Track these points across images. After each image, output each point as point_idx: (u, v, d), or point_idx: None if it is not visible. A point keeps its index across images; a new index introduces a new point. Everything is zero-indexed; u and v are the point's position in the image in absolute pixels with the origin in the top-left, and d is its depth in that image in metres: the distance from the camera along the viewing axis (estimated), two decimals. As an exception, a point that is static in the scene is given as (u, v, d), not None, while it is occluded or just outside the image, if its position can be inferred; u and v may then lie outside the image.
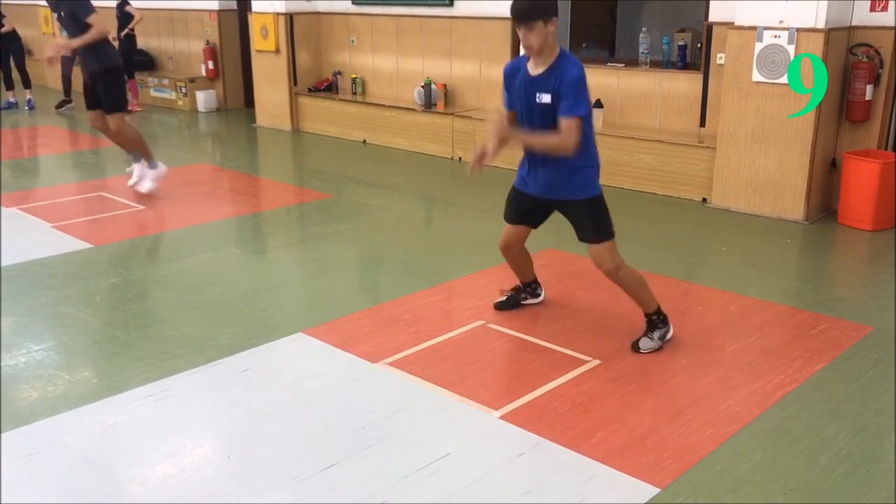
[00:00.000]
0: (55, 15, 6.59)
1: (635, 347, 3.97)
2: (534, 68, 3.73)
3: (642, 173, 7.11)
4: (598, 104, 7.50)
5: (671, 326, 4.09)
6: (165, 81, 12.18)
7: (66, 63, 11.23)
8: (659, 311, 4.03)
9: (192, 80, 11.79)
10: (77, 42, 6.26)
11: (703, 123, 7.05)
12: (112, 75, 6.50)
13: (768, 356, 3.96)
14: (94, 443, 3.22)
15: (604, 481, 2.97)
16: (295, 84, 10.11)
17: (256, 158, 9.22)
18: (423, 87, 8.85)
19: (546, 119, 3.71)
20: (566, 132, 3.63)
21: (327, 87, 10.05)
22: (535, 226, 4.20)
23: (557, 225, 6.30)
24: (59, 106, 11.66)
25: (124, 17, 11.33)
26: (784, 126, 6.13)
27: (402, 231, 6.17)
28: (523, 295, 4.52)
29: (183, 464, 3.08)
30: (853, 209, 6.10)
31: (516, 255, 4.31)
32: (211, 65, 11.68)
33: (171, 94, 12.11)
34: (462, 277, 5.01)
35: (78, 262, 5.42)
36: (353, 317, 4.44)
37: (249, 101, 11.35)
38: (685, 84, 7.18)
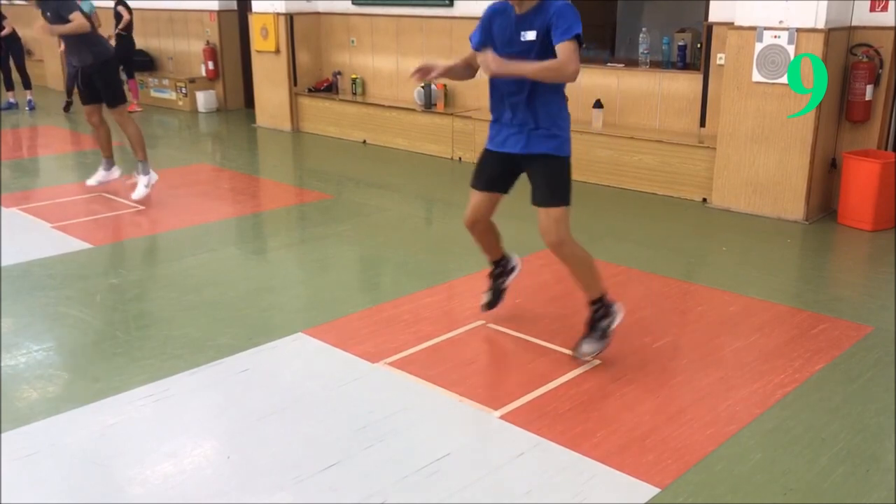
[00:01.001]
0: (41, 13, 6.64)
1: (577, 352, 3.77)
2: (519, 8, 3.56)
3: (642, 173, 7.11)
4: (598, 104, 7.51)
5: (618, 312, 3.83)
6: (165, 82, 12.19)
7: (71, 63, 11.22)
8: (602, 300, 3.80)
9: (192, 81, 11.80)
10: (58, 29, 6.41)
11: (703, 123, 7.05)
12: (107, 67, 6.63)
13: (768, 356, 3.96)
14: (94, 443, 3.22)
15: (604, 481, 2.96)
16: (295, 84, 10.12)
17: (256, 159, 9.22)
18: (422, 87, 8.85)
19: (528, 57, 3.51)
20: (565, 55, 3.38)
21: (327, 88, 10.05)
22: (505, 190, 3.90)
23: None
24: (67, 108, 11.60)
25: (118, 16, 11.36)
26: (784, 126, 6.13)
27: (402, 231, 6.17)
28: (500, 280, 4.29)
29: (183, 464, 3.08)
30: (853, 209, 6.10)
31: (484, 230, 4.04)
32: (211, 65, 11.68)
33: (171, 95, 12.11)
34: (462, 277, 5.01)
35: (78, 262, 5.43)
36: (353, 317, 4.44)
37: (249, 101, 11.36)
38: (685, 84, 7.18)
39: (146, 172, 6.83)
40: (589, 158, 7.42)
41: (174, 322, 4.38)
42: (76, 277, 5.14)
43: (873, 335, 4.21)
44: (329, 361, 3.93)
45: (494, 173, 3.87)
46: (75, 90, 6.90)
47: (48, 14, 6.48)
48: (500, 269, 4.28)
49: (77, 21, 6.40)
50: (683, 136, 7.08)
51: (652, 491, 2.90)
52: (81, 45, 6.51)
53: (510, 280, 4.34)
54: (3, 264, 5.25)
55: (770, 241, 5.84)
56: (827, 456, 3.12)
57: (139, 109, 11.79)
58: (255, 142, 9.92)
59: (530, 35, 3.51)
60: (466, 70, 3.94)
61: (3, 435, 3.25)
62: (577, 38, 3.41)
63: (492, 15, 3.71)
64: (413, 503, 2.84)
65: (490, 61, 3.44)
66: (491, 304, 4.32)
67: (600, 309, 3.80)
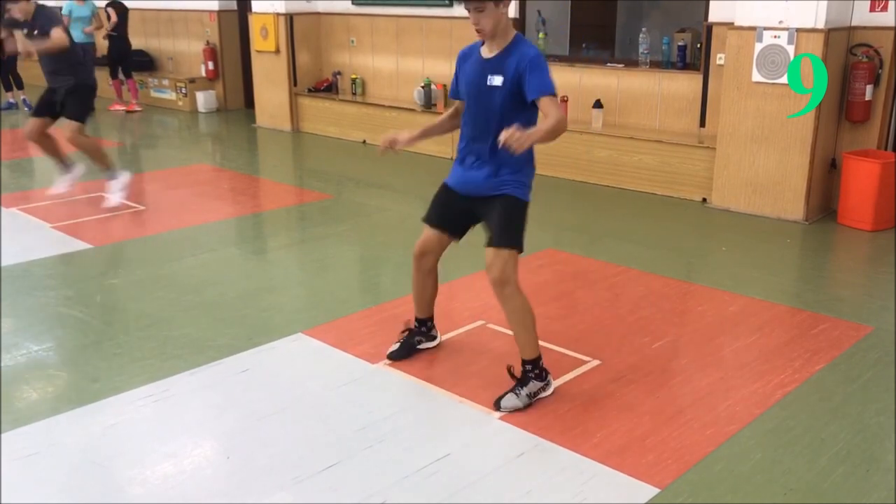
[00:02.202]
0: (24, 31, 6.38)
1: (497, 405, 3.45)
2: (487, 52, 3.46)
3: (642, 173, 7.11)
4: (598, 104, 7.51)
5: (551, 384, 3.57)
6: (165, 82, 12.18)
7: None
8: (537, 363, 3.52)
9: (192, 81, 11.79)
10: (38, 47, 6.19)
11: (702, 124, 7.05)
12: (84, 91, 6.44)
13: (768, 356, 3.96)
14: (94, 443, 3.22)
15: (604, 481, 2.97)
16: (295, 84, 10.12)
17: (256, 159, 9.22)
18: (422, 87, 8.86)
19: (493, 102, 3.40)
20: (554, 110, 3.30)
21: (327, 88, 10.05)
22: (457, 235, 3.71)
23: (558, 225, 6.33)
24: None
25: (110, 18, 11.39)
26: (784, 126, 6.14)
27: (401, 231, 6.16)
28: (418, 338, 3.97)
29: (183, 464, 3.08)
30: (853, 209, 6.10)
31: (428, 271, 3.79)
32: (211, 65, 11.68)
33: (171, 95, 12.11)
34: (462, 278, 5.01)
35: (78, 262, 5.43)
36: (353, 317, 4.44)
37: (249, 101, 11.36)
38: (685, 84, 7.18)
39: (115, 177, 6.64)
40: (589, 158, 7.43)
41: (174, 322, 4.38)
42: (76, 277, 5.14)
43: (873, 335, 4.21)
44: (329, 362, 3.93)
45: (449, 212, 3.68)
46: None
47: (35, 32, 6.23)
48: (424, 329, 3.99)
49: (56, 35, 6.15)
50: (683, 136, 7.08)
51: (652, 491, 2.90)
52: (64, 65, 6.26)
53: (427, 346, 4.01)
54: (3, 264, 5.25)
55: (770, 241, 5.84)
56: (827, 456, 3.12)
57: (139, 109, 11.79)
58: (255, 142, 9.92)
59: (497, 80, 3.38)
60: (451, 123, 3.79)
61: (3, 435, 3.25)
62: (553, 94, 3.35)
63: (462, 59, 3.63)
64: (413, 503, 2.85)
65: (515, 140, 3.11)
66: (395, 356, 3.92)
67: (534, 370, 3.52)
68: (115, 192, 6.66)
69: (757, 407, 3.47)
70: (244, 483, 2.96)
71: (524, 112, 3.41)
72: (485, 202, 3.53)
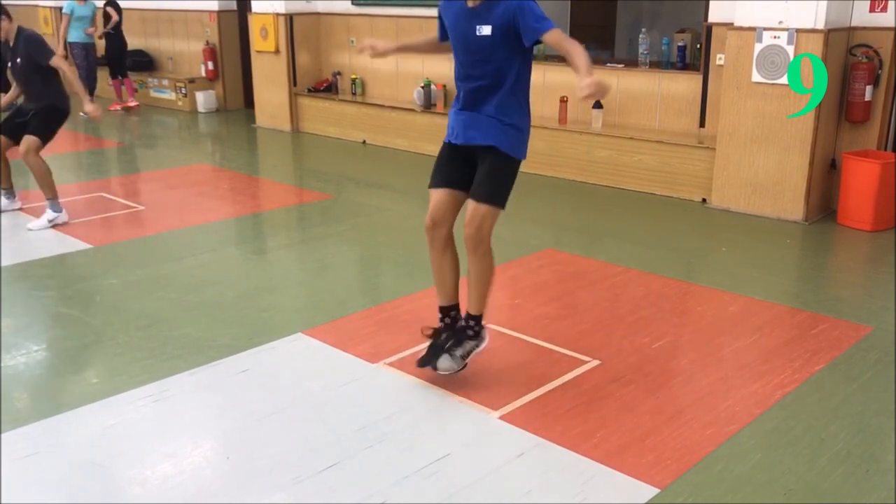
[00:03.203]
0: (9, 64, 6.19)
1: (431, 366, 3.50)
2: (471, 1, 3.36)
3: (642, 174, 7.12)
4: (598, 105, 7.51)
5: (485, 339, 3.64)
6: (165, 82, 12.19)
7: (89, 59, 11.08)
8: (479, 320, 3.58)
9: (192, 81, 11.79)
10: (83, 94, 6.19)
11: (702, 124, 7.06)
12: (55, 113, 6.17)
13: (768, 356, 3.96)
14: (94, 443, 3.22)
15: (603, 482, 2.97)
16: (295, 85, 10.12)
17: (256, 159, 9.22)
18: (422, 87, 8.86)
19: (485, 52, 3.34)
20: (562, 40, 3.23)
21: (327, 88, 10.05)
22: (466, 188, 3.54)
23: (558, 225, 6.32)
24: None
25: (107, 17, 11.41)
26: (784, 126, 6.14)
27: (401, 231, 6.16)
28: (445, 335, 3.68)
29: (182, 464, 3.08)
30: (853, 209, 6.10)
31: (443, 245, 3.61)
32: (211, 65, 11.68)
33: (170, 95, 12.11)
34: (461, 278, 5.00)
35: (78, 262, 5.43)
36: (353, 317, 4.44)
37: (249, 101, 11.36)
38: (685, 84, 7.19)
39: (56, 210, 6.17)
40: (589, 159, 7.43)
41: (174, 322, 4.38)
42: (76, 277, 5.14)
43: (873, 335, 4.21)
44: (329, 362, 3.93)
45: (453, 168, 3.59)
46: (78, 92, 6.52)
47: (18, 60, 6.02)
48: (449, 321, 3.71)
49: (64, 65, 6.06)
50: (683, 136, 7.08)
51: (652, 491, 2.90)
52: (45, 89, 6.08)
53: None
54: (3, 264, 5.25)
55: (770, 242, 5.84)
56: (826, 456, 3.12)
57: (136, 104, 11.81)
58: (255, 142, 9.92)
59: (486, 30, 3.31)
60: (428, 46, 3.85)
61: (3, 435, 3.25)
62: (554, 28, 3.27)
63: (443, 9, 3.55)
64: (412, 503, 2.85)
65: (594, 94, 3.02)
66: (425, 362, 3.66)
67: (474, 328, 3.58)
68: (44, 221, 6.13)
69: (757, 407, 3.47)
70: (244, 483, 2.96)
71: (517, 56, 3.37)
72: (483, 151, 3.46)
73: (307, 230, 6.32)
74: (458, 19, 3.44)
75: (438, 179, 3.63)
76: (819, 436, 3.26)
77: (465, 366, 3.56)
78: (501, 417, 3.39)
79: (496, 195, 3.41)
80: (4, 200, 6.57)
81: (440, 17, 3.62)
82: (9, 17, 6.10)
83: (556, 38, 3.27)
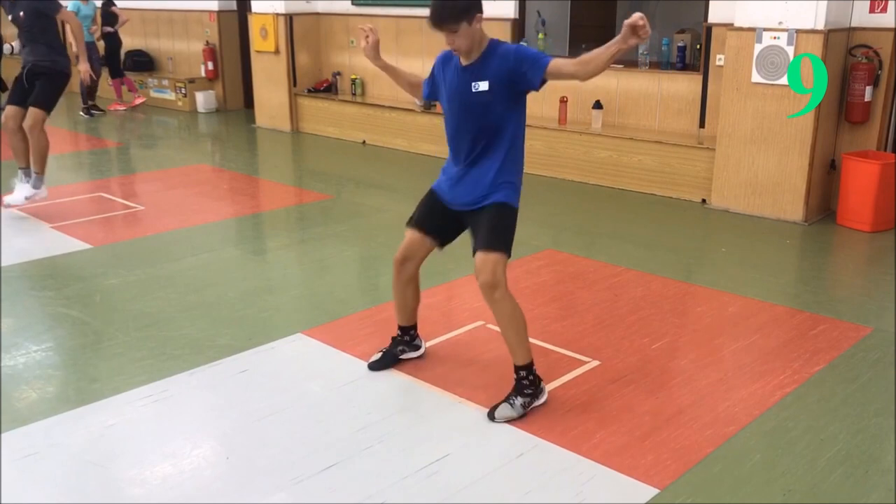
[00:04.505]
0: (9, 17, 6.23)
1: (491, 416, 3.38)
2: (465, 60, 3.38)
3: (642, 174, 7.12)
4: (598, 105, 7.51)
5: (544, 393, 3.49)
6: (165, 82, 12.19)
7: (93, 58, 11.09)
8: (530, 368, 3.43)
9: (192, 81, 11.80)
10: (83, 52, 6.33)
11: (702, 124, 7.06)
12: (58, 79, 6.22)
13: (767, 357, 3.96)
14: (94, 443, 3.22)
15: (603, 482, 2.97)
16: (294, 85, 10.12)
17: (256, 159, 9.22)
18: (422, 87, 8.84)
19: (482, 109, 3.34)
20: (567, 62, 3.23)
21: (327, 88, 10.06)
22: (441, 242, 3.64)
23: (558, 225, 6.33)
24: (88, 112, 11.40)
25: (108, 16, 11.39)
26: (783, 127, 6.14)
27: (401, 232, 6.12)
28: (400, 347, 3.87)
29: (182, 465, 3.08)
30: (852, 210, 6.10)
31: (408, 280, 3.72)
32: (210, 65, 11.69)
33: (170, 95, 12.11)
34: (461, 278, 5.01)
35: (78, 262, 5.43)
36: (353, 318, 4.44)
37: (249, 101, 11.36)
38: (684, 85, 7.19)
39: (37, 186, 6.25)
40: (588, 159, 7.43)
41: (173, 322, 4.38)
42: (76, 277, 5.14)
43: (872, 336, 4.21)
44: (328, 362, 3.93)
45: (434, 216, 3.62)
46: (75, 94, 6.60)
47: (20, 14, 6.04)
48: (407, 338, 3.90)
49: (71, 19, 6.19)
50: (683, 136, 7.09)
51: (651, 492, 2.90)
52: (47, 45, 6.11)
53: (409, 356, 3.90)
54: (3, 264, 5.25)
55: (769, 242, 5.85)
56: (826, 457, 3.13)
57: (142, 99, 11.86)
58: (255, 142, 9.92)
59: (482, 86, 3.31)
60: (410, 81, 3.83)
61: (3, 435, 3.25)
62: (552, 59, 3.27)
63: (441, 63, 3.55)
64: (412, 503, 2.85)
65: (634, 22, 3.06)
66: (375, 366, 3.84)
67: (527, 377, 3.43)
68: (23, 195, 6.24)
69: (756, 408, 3.48)
70: (243, 483, 2.96)
71: (513, 112, 3.37)
72: (473, 213, 3.46)
73: (307, 230, 6.32)
74: (453, 75, 3.43)
75: (418, 221, 3.65)
76: (818, 436, 3.27)
77: (524, 416, 3.39)
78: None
79: (502, 242, 3.37)
80: (25, 186, 6.40)
81: (433, 73, 3.61)
82: None
83: (560, 67, 3.23)
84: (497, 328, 4.21)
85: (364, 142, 9.49)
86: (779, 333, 4.27)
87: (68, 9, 11.07)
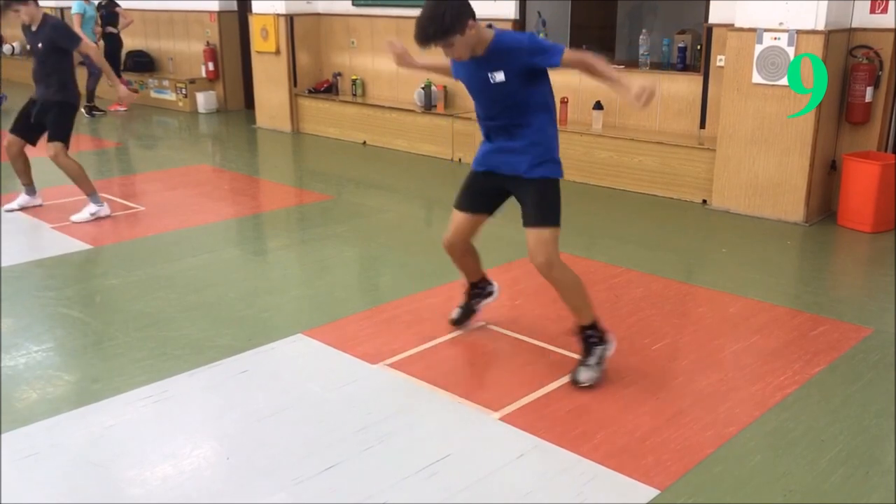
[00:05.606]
0: (28, 45, 6.29)
1: (575, 381, 3.59)
2: (474, 55, 3.44)
3: (642, 175, 7.12)
4: (599, 106, 7.51)
5: (611, 342, 3.72)
6: (165, 83, 12.19)
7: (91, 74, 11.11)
8: (595, 325, 3.67)
9: (193, 82, 11.80)
10: (111, 76, 6.49)
11: (702, 125, 7.06)
12: (68, 110, 6.23)
13: (768, 358, 3.96)
14: (94, 444, 3.22)
15: (603, 483, 2.96)
16: (295, 85, 10.12)
17: (256, 160, 9.23)
18: (423, 88, 8.86)
19: (505, 98, 3.45)
20: (576, 56, 3.35)
21: (327, 89, 10.06)
22: (490, 211, 3.82)
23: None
24: (89, 112, 11.38)
25: (110, 16, 11.39)
26: (784, 128, 6.14)
27: (402, 232, 6.17)
28: (474, 300, 4.21)
29: (182, 465, 3.08)
30: (853, 211, 6.10)
31: (462, 254, 3.97)
32: (211, 66, 11.69)
33: (171, 96, 12.12)
34: (462, 279, 5.00)
35: (78, 262, 5.43)
36: (353, 318, 4.44)
37: (249, 102, 11.36)
38: (685, 86, 7.19)
39: (97, 203, 6.34)
40: (589, 160, 7.43)
41: (174, 323, 4.38)
42: (76, 278, 5.13)
43: (873, 337, 4.21)
44: (329, 363, 3.93)
45: (481, 194, 3.78)
46: (75, 93, 6.55)
47: (39, 45, 6.07)
48: (478, 290, 4.19)
49: (93, 50, 6.27)
50: (683, 137, 7.09)
51: (652, 492, 2.90)
52: (55, 80, 6.09)
53: (485, 303, 4.23)
54: (3, 264, 5.25)
55: (770, 243, 5.84)
56: (827, 458, 3.12)
57: (125, 108, 11.82)
58: (255, 143, 9.92)
59: (499, 76, 3.40)
60: (445, 70, 3.88)
61: (3, 435, 3.25)
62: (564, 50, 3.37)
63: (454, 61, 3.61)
64: (413, 504, 2.85)
65: (645, 93, 3.25)
66: (459, 321, 4.21)
67: (594, 335, 3.67)
68: (86, 214, 6.29)
69: (757, 408, 3.47)
70: (244, 484, 2.96)
71: (536, 87, 3.47)
72: (518, 182, 3.60)
73: (307, 231, 6.32)
74: (469, 67, 3.50)
75: (463, 202, 3.83)
76: (819, 437, 3.26)
77: (603, 370, 3.64)
78: (501, 418, 3.39)
79: (551, 217, 3.56)
80: (25, 196, 6.65)
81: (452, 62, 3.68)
82: (35, 1, 6.17)
83: (571, 60, 3.36)
84: (500, 329, 4.23)
85: (364, 142, 9.50)
86: (779, 334, 4.27)
87: (75, 11, 11.13)
